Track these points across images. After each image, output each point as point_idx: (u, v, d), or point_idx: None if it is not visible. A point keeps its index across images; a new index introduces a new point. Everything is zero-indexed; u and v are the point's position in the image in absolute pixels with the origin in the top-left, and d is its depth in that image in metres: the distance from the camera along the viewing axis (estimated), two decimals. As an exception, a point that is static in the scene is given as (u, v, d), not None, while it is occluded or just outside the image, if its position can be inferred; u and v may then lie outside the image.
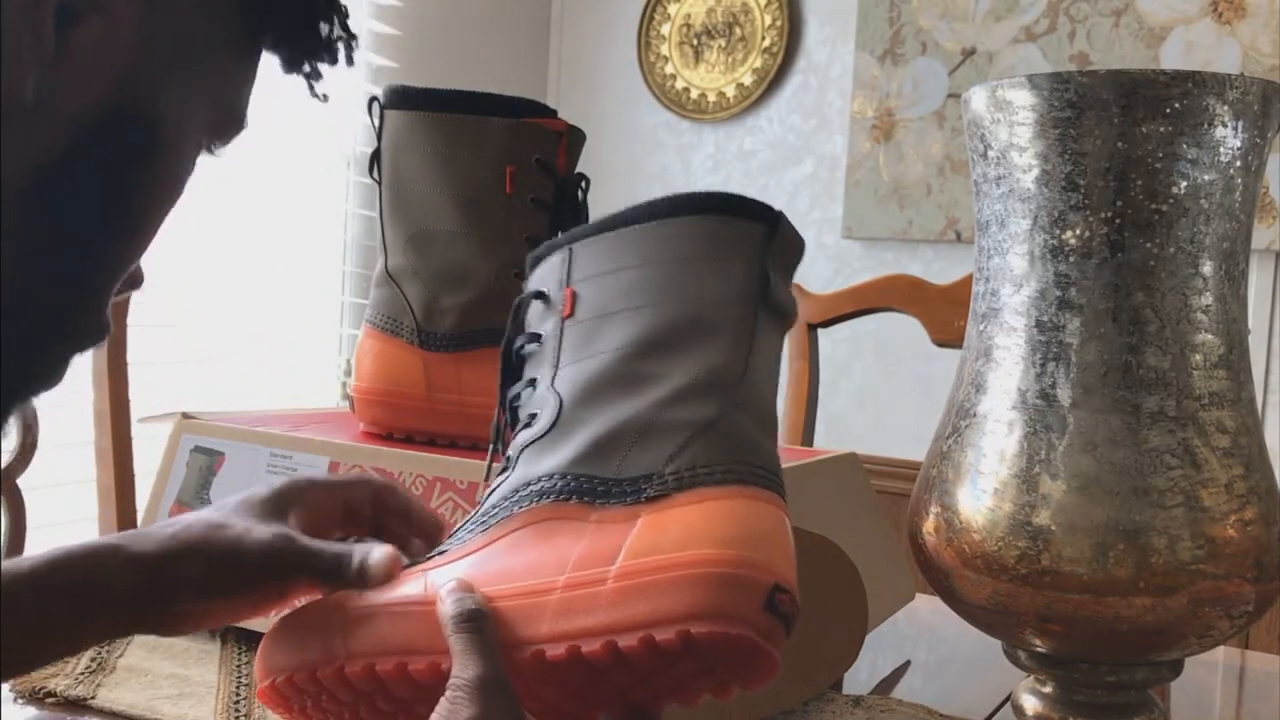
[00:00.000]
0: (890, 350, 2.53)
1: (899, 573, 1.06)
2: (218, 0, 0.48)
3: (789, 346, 1.52)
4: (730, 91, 2.71)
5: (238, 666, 0.81)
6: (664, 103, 2.77)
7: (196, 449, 0.92)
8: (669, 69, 2.77)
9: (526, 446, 0.56)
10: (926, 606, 1.07)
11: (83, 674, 0.78)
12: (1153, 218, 0.66)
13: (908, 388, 2.51)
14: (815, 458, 1.01)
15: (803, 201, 2.65)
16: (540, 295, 0.59)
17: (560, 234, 0.60)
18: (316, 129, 2.30)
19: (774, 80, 2.67)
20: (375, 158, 0.94)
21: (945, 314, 1.42)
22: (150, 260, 0.51)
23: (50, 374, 0.48)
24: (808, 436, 1.51)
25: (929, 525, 0.73)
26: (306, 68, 0.51)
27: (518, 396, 0.59)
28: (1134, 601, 0.65)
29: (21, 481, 1.16)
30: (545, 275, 0.60)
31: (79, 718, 0.73)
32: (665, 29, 2.77)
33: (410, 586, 0.55)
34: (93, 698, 0.75)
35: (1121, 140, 0.66)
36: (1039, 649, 0.71)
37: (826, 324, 1.53)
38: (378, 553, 0.56)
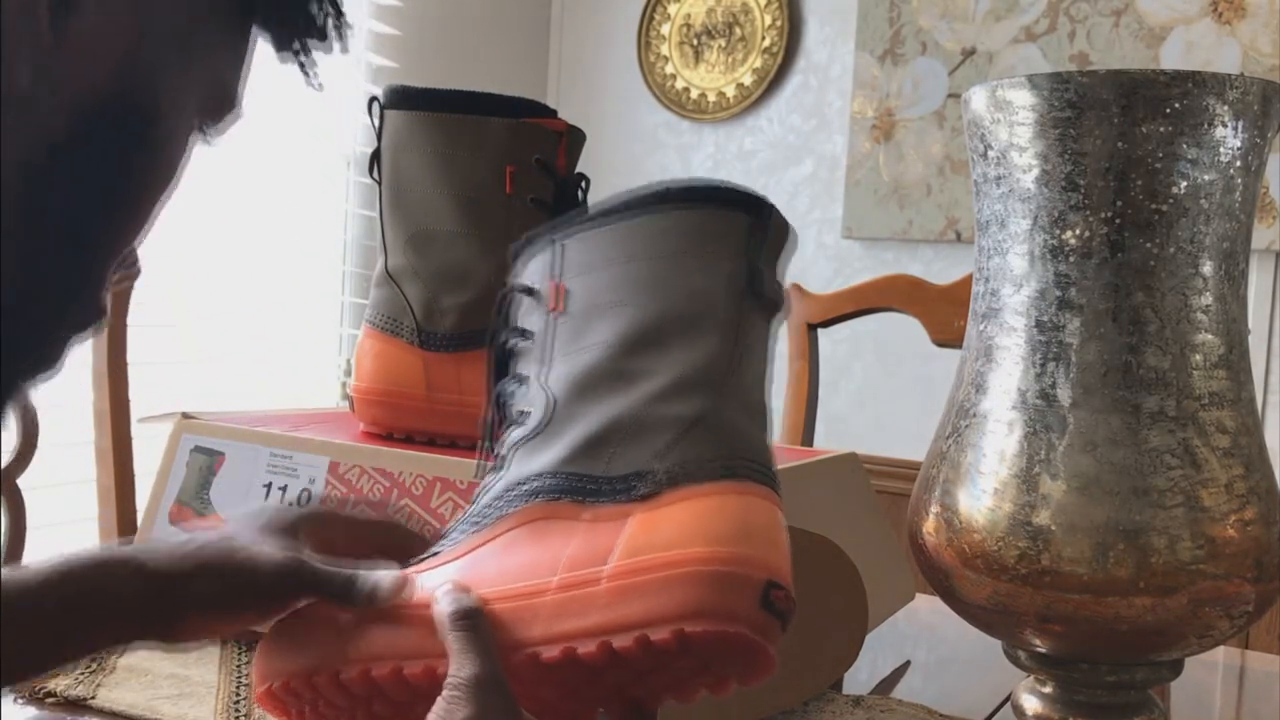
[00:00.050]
0: (890, 350, 2.53)
1: (899, 573, 1.06)
2: None
3: (789, 347, 1.52)
4: (730, 91, 2.71)
5: (238, 667, 0.81)
6: (664, 103, 2.77)
7: (196, 449, 0.92)
8: (669, 69, 2.77)
9: (520, 445, 0.56)
10: (926, 606, 1.07)
11: (83, 674, 0.78)
12: (1153, 218, 0.66)
13: (908, 388, 2.51)
14: (815, 458, 1.01)
15: (803, 201, 2.65)
16: (528, 290, 0.59)
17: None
18: (316, 129, 2.30)
19: (774, 80, 2.67)
20: (375, 158, 0.94)
21: (945, 314, 1.42)
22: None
23: (50, 359, 0.48)
24: (808, 436, 1.51)
25: (929, 525, 0.73)
26: (296, 45, 0.51)
27: (508, 393, 0.59)
28: (1134, 601, 0.65)
29: (21, 481, 1.16)
30: (532, 270, 0.59)
31: (79, 718, 0.73)
32: (665, 29, 2.77)
33: (405, 590, 0.55)
34: (93, 698, 0.75)
35: (1121, 140, 0.66)
36: (1039, 649, 0.71)
37: (826, 324, 1.53)
38: (388, 577, 0.56)
